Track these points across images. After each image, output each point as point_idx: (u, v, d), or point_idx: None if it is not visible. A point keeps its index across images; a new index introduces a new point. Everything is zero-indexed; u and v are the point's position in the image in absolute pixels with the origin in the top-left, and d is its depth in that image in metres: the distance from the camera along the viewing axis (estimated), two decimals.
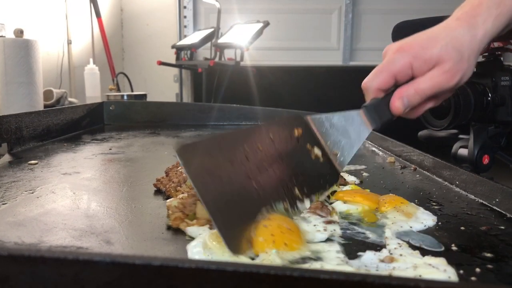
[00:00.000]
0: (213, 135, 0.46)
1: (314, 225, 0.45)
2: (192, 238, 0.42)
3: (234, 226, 0.38)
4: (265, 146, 0.46)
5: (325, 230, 0.44)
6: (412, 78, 0.50)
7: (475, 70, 0.52)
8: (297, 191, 0.47)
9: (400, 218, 0.48)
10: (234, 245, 0.36)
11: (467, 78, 0.51)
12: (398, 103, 0.50)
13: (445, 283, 0.28)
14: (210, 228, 0.43)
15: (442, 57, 0.48)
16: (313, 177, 0.51)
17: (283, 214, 0.44)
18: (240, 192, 0.41)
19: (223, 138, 0.45)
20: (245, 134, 0.47)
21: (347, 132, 0.53)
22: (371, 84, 0.52)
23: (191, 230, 0.43)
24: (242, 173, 0.42)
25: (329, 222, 0.45)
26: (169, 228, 0.45)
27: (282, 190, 0.46)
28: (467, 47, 0.49)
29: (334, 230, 0.44)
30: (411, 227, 0.46)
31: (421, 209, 0.51)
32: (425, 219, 0.48)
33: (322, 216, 0.46)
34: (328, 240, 0.42)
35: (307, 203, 0.48)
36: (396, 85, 0.51)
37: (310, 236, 0.43)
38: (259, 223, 0.40)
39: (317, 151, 0.52)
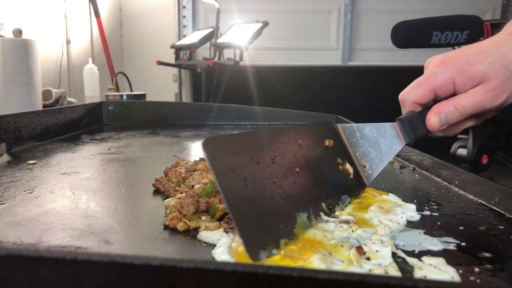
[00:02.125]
0: (240, 133, 0.42)
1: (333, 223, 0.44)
2: (207, 243, 0.42)
3: (255, 230, 0.36)
4: (293, 151, 0.44)
5: (342, 228, 0.43)
6: (453, 94, 0.47)
7: None
8: (321, 202, 0.45)
9: (385, 217, 0.46)
10: (253, 251, 0.34)
11: None
12: (434, 119, 0.47)
13: (444, 283, 0.28)
14: (226, 232, 0.43)
15: (488, 74, 0.44)
16: (338, 189, 0.48)
17: (305, 224, 0.41)
18: (264, 196, 0.39)
19: (250, 136, 0.42)
20: (273, 135, 0.44)
21: (378, 144, 0.50)
22: (409, 97, 0.48)
23: (206, 235, 0.43)
24: (267, 175, 0.40)
25: (346, 222, 0.44)
26: (167, 228, 0.45)
27: (307, 198, 0.43)
28: None
29: (352, 230, 0.43)
30: (399, 223, 0.45)
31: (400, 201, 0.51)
32: (404, 212, 0.47)
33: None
34: (344, 240, 0.42)
35: (330, 215, 0.46)
36: (436, 100, 0.48)
37: (328, 235, 0.42)
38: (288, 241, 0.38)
39: (345, 162, 0.49)
